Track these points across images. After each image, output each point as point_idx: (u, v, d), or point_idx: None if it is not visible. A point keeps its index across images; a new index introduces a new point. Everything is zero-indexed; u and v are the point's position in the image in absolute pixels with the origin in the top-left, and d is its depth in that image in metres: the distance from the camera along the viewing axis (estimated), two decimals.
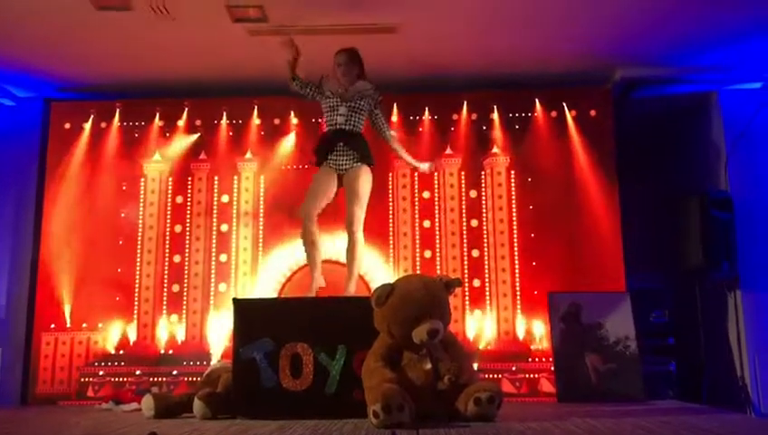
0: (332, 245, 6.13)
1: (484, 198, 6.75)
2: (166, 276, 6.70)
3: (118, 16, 5.45)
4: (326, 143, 4.79)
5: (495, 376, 6.20)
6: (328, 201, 4.81)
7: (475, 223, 6.71)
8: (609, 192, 6.57)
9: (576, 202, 6.60)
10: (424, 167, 5.20)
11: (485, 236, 6.67)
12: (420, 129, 6.82)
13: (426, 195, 6.77)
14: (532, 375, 6.31)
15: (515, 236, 6.64)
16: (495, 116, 6.79)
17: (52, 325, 6.54)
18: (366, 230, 6.52)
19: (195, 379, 6.13)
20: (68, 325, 6.55)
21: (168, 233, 6.77)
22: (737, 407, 5.99)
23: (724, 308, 6.48)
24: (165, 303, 6.65)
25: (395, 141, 5.09)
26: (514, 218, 6.68)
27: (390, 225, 6.71)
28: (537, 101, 6.79)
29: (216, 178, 6.87)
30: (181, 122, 6.89)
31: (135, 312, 6.63)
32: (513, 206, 6.70)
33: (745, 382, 6.14)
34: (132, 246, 6.72)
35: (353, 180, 4.70)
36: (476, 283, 6.59)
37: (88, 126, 6.88)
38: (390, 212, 6.73)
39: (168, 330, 6.57)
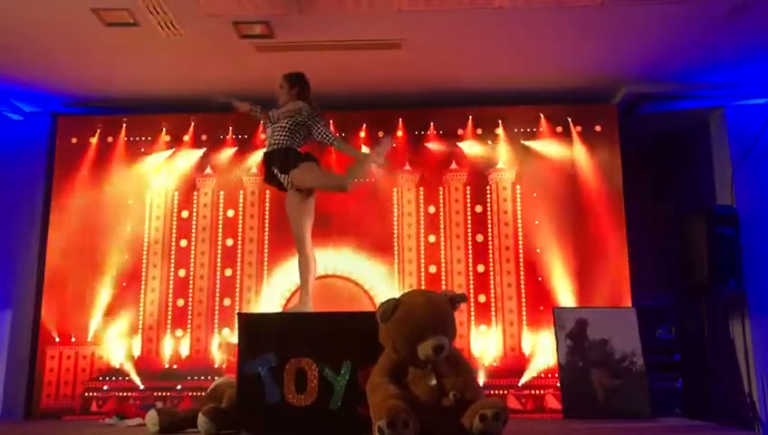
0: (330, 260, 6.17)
1: (489, 213, 6.74)
2: (171, 291, 6.70)
3: (125, 32, 5.50)
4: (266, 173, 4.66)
5: (501, 392, 6.17)
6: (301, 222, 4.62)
7: (480, 238, 6.70)
8: (614, 207, 6.56)
9: (582, 217, 6.59)
10: (375, 158, 4.60)
11: (491, 251, 6.66)
12: (426, 143, 6.83)
13: (431, 210, 6.77)
14: (537, 391, 6.27)
15: (521, 251, 6.63)
16: (501, 131, 6.80)
17: (57, 339, 6.54)
18: (371, 245, 6.61)
19: (199, 394, 6.10)
20: (72, 339, 6.55)
21: (173, 247, 6.79)
22: (745, 425, 5.94)
23: (731, 325, 6.44)
24: (170, 317, 6.65)
25: (342, 144, 4.75)
26: (520, 234, 6.67)
27: (395, 240, 6.70)
28: (542, 116, 6.80)
29: (221, 192, 6.89)
30: (187, 137, 6.91)
31: (140, 326, 6.62)
32: (519, 221, 6.70)
33: (753, 400, 6.09)
34: (138, 261, 6.73)
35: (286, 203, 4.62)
36: (482, 298, 6.57)
37: (94, 140, 6.91)
38: (395, 227, 6.73)
39: (173, 344, 6.57)
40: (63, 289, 6.60)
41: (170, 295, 6.70)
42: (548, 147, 6.77)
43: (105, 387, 6.45)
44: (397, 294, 3.84)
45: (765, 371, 6.09)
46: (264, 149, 4.63)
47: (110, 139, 6.94)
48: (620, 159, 6.68)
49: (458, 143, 6.82)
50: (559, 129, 6.80)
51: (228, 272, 6.74)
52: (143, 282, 6.71)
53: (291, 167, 4.45)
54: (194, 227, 6.84)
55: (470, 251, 6.67)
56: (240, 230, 6.82)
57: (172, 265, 6.75)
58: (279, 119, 4.56)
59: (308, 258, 4.64)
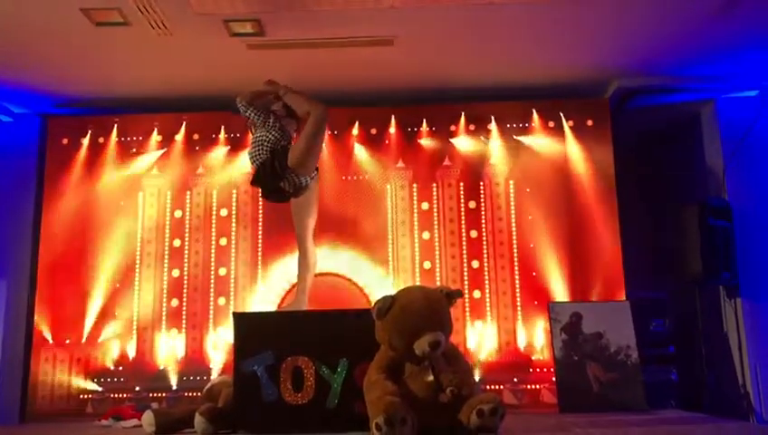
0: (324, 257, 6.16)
1: (483, 208, 6.74)
2: (165, 291, 6.67)
3: (115, 32, 5.47)
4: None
5: (497, 387, 6.19)
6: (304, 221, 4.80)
7: (474, 234, 6.70)
8: (607, 201, 6.58)
9: (575, 212, 6.61)
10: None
11: (485, 246, 6.66)
12: (419, 140, 6.83)
13: (425, 206, 6.77)
14: (533, 386, 6.29)
15: (515, 246, 6.64)
16: (493, 127, 6.80)
17: (51, 341, 6.51)
18: (365, 242, 6.62)
19: (195, 394, 6.09)
20: (66, 341, 6.52)
21: (166, 247, 6.75)
22: (739, 415, 5.97)
23: (725, 316, 6.47)
24: (164, 317, 6.62)
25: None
26: (514, 229, 6.68)
27: (389, 236, 6.70)
28: (534, 111, 6.80)
29: (214, 192, 6.86)
30: (179, 137, 6.88)
31: (134, 327, 6.60)
32: (513, 216, 6.70)
33: (747, 390, 6.13)
34: (131, 261, 6.70)
35: None
36: (477, 294, 6.57)
37: (86, 141, 6.87)
38: (389, 224, 6.72)
39: (168, 345, 6.54)
40: (56, 291, 6.57)
41: (164, 296, 6.66)
42: (540, 142, 6.77)
43: (100, 389, 6.43)
44: (392, 291, 3.84)
45: (759, 362, 6.12)
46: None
47: (101, 139, 6.90)
48: (613, 153, 6.68)
49: (451, 139, 6.82)
50: (551, 123, 6.80)
51: (222, 271, 6.71)
52: (137, 282, 6.67)
53: (283, 164, 4.42)
54: (187, 226, 6.80)
55: (464, 247, 6.67)
56: (234, 229, 6.80)
57: (166, 265, 6.71)
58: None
59: (307, 257, 4.67)
